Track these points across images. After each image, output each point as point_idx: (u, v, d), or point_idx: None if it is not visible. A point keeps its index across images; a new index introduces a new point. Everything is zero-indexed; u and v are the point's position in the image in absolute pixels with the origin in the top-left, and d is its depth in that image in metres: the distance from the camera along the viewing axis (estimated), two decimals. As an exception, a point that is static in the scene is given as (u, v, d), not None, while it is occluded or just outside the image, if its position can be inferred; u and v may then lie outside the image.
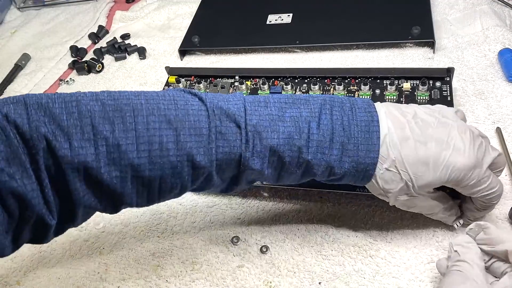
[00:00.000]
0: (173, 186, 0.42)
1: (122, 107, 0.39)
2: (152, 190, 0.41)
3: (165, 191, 0.42)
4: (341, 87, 0.66)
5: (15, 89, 0.88)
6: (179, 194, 0.44)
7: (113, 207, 0.42)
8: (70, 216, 0.40)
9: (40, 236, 0.40)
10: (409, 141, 0.43)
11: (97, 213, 0.60)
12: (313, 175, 0.44)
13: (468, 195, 0.45)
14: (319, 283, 0.49)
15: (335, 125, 0.43)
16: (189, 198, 0.61)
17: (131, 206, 0.42)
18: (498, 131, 0.59)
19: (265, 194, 0.59)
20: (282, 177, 0.45)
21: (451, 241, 0.42)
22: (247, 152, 0.42)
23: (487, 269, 0.42)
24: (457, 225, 0.49)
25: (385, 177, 0.43)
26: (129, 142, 0.38)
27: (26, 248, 0.59)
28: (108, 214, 0.57)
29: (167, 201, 0.59)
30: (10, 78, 0.90)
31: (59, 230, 0.41)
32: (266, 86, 0.69)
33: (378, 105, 0.45)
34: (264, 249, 0.53)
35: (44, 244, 0.59)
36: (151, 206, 0.59)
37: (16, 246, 0.39)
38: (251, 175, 0.44)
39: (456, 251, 0.41)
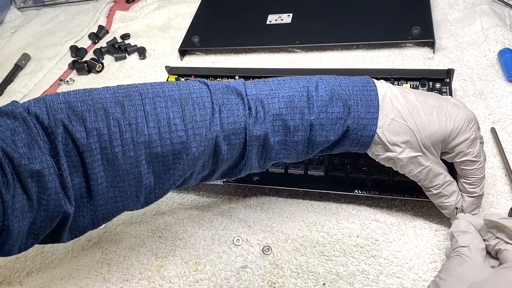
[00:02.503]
0: (186, 164, 0.43)
1: (130, 93, 0.42)
2: (167, 169, 0.43)
3: (180, 169, 0.43)
4: (342, 88, 0.66)
5: (15, 89, 0.88)
6: (195, 177, 0.46)
7: (135, 196, 0.43)
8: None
9: (58, 229, 0.41)
10: (410, 96, 0.45)
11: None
12: (319, 141, 0.45)
13: (458, 160, 0.46)
14: (323, 284, 0.49)
15: (334, 86, 0.45)
16: (189, 198, 0.61)
17: (152, 191, 0.44)
18: (493, 131, 0.59)
19: (265, 194, 0.59)
20: (289, 147, 0.45)
21: (451, 230, 0.43)
22: (251, 119, 0.43)
23: (489, 250, 0.42)
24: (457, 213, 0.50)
25: (392, 128, 0.44)
26: (139, 121, 0.41)
27: (29, 249, 0.60)
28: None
29: (167, 201, 0.60)
30: (10, 78, 0.90)
31: (77, 228, 0.42)
32: (267, 87, 0.69)
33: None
34: (266, 250, 0.53)
35: (47, 245, 0.59)
36: (151, 206, 0.60)
37: (34, 238, 0.40)
38: (260, 148, 0.45)
39: (455, 237, 0.42)
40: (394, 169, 0.48)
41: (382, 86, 0.46)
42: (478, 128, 0.46)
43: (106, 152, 0.40)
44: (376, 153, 0.47)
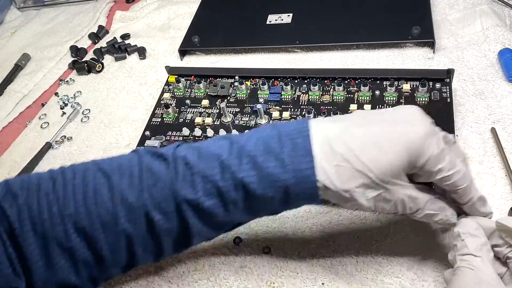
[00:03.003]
0: (118, 238, 0.41)
1: (65, 169, 0.43)
2: (96, 244, 0.41)
3: (111, 244, 0.41)
4: (341, 88, 0.66)
5: (15, 89, 0.87)
6: (142, 253, 0.43)
7: (74, 272, 0.42)
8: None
9: None
10: (352, 129, 0.40)
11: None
12: (259, 201, 0.40)
13: (433, 180, 0.41)
14: (322, 283, 0.49)
15: (266, 139, 0.40)
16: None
17: (94, 268, 0.42)
18: (493, 131, 0.59)
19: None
20: (230, 210, 0.41)
21: (457, 229, 0.40)
22: (178, 183, 0.40)
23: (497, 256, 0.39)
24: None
25: (340, 175, 0.38)
26: (66, 194, 0.41)
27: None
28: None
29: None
30: (10, 78, 0.90)
31: None
32: (265, 86, 0.69)
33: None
34: (266, 250, 0.53)
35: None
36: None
37: None
38: (199, 213, 0.41)
39: (463, 240, 0.38)
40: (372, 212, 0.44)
41: (318, 129, 0.40)
42: (441, 136, 0.40)
43: (36, 227, 0.40)
44: (337, 203, 0.41)
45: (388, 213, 0.43)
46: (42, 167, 0.70)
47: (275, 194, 0.40)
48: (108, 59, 0.91)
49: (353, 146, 0.39)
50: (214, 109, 0.69)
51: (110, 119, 0.76)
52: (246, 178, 0.39)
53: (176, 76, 0.75)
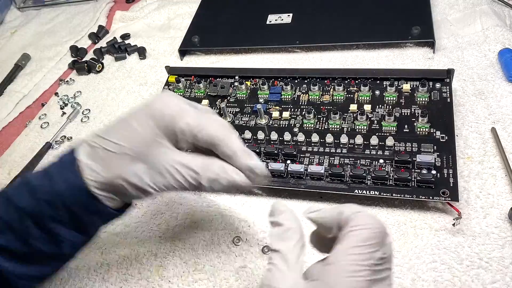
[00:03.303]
0: None
1: None
2: None
3: None
4: (341, 88, 0.66)
5: (15, 89, 0.88)
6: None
7: None
8: None
9: None
10: (104, 127, 0.43)
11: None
12: (46, 222, 0.42)
13: (192, 136, 0.42)
14: (321, 283, 0.49)
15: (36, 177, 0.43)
16: (189, 198, 0.61)
17: None
18: (494, 131, 0.59)
19: (264, 194, 0.59)
20: (27, 242, 0.42)
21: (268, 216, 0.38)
22: None
23: None
24: (456, 225, 0.50)
25: (105, 165, 0.41)
26: None
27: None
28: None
29: (166, 201, 0.60)
30: (10, 78, 0.90)
31: None
32: (265, 86, 0.69)
33: None
34: (265, 250, 0.53)
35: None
36: (152, 206, 0.60)
37: None
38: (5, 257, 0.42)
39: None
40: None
41: (80, 142, 0.43)
42: (180, 98, 0.43)
43: None
44: (124, 199, 0.44)
45: (176, 190, 0.43)
46: (42, 167, 0.70)
47: (55, 211, 0.41)
48: (108, 59, 0.91)
49: (106, 136, 0.41)
50: (214, 109, 0.69)
51: (110, 119, 0.76)
52: (22, 203, 0.41)
53: (176, 76, 0.75)
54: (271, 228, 0.38)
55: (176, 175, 0.41)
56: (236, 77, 0.72)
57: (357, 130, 0.61)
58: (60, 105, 0.81)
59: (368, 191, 0.54)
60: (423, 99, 0.62)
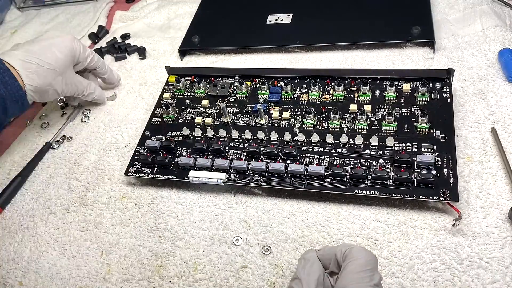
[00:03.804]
0: None
1: None
2: None
3: None
4: (341, 88, 0.66)
5: (15, 90, 0.87)
6: None
7: None
8: None
9: None
10: (28, 47, 0.67)
11: (98, 213, 0.61)
12: None
13: (86, 64, 0.74)
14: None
15: None
16: (188, 198, 0.61)
17: None
18: (493, 131, 0.59)
19: (264, 194, 0.59)
20: None
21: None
22: None
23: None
24: (456, 225, 0.50)
25: (39, 76, 0.65)
26: None
27: (28, 249, 0.60)
28: (109, 214, 0.57)
29: (166, 201, 0.60)
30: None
31: None
32: (265, 86, 0.69)
33: None
34: (266, 250, 0.53)
35: (46, 244, 0.59)
36: (152, 206, 0.60)
37: None
38: None
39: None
40: None
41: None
42: (77, 40, 0.72)
43: None
44: (41, 100, 0.68)
45: (74, 95, 0.73)
46: (42, 167, 0.70)
47: None
48: (108, 59, 0.91)
49: (38, 56, 0.65)
50: (214, 109, 0.69)
51: (110, 119, 0.76)
52: None
53: (176, 76, 0.75)
54: (298, 262, 0.47)
55: (80, 86, 0.73)
56: (236, 77, 0.72)
57: (357, 130, 0.61)
58: (60, 105, 0.81)
59: (368, 191, 0.54)
60: (423, 99, 0.62)
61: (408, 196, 0.52)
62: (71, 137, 0.75)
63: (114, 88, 0.82)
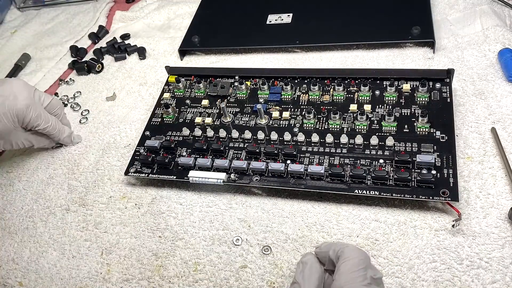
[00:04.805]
0: None
1: None
2: None
3: None
4: (341, 88, 0.66)
5: (15, 90, 0.87)
6: None
7: None
8: None
9: None
10: None
11: (98, 213, 0.61)
12: None
13: (36, 128, 0.65)
14: (321, 283, 0.49)
15: None
16: (188, 198, 0.61)
17: None
18: (494, 131, 0.59)
19: (264, 194, 0.59)
20: None
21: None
22: None
23: None
24: (455, 226, 0.50)
25: None
26: None
27: (28, 249, 0.60)
28: (109, 214, 0.57)
29: (166, 201, 0.60)
30: (11, 78, 0.90)
31: None
32: (265, 86, 0.69)
33: None
34: (266, 250, 0.53)
35: (46, 245, 0.59)
36: (152, 206, 0.60)
37: None
38: None
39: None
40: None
41: None
42: (37, 102, 0.64)
43: None
44: None
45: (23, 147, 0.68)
46: (42, 167, 0.70)
47: None
48: (108, 59, 0.91)
49: None
50: (214, 109, 0.69)
51: (110, 120, 0.76)
52: None
53: (176, 76, 0.75)
54: (297, 266, 0.47)
55: (26, 142, 0.66)
56: (236, 77, 0.72)
57: (357, 130, 0.61)
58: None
59: (368, 191, 0.54)
60: (423, 99, 0.62)
61: (408, 196, 0.52)
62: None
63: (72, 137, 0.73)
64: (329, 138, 0.60)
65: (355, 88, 0.66)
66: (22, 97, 0.62)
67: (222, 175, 0.58)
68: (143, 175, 0.62)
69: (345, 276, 0.41)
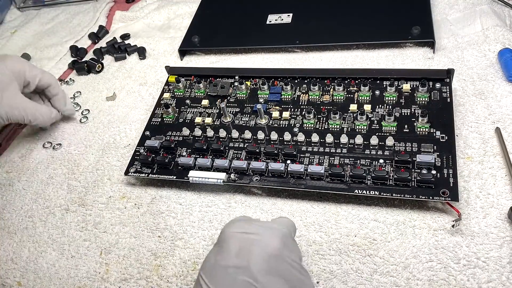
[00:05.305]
0: None
1: None
2: None
3: None
4: (341, 88, 0.66)
5: (15, 89, 0.87)
6: None
7: None
8: None
9: None
10: None
11: (98, 213, 0.61)
12: None
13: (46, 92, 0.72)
14: (317, 282, 0.49)
15: None
16: (188, 198, 0.61)
17: None
18: (498, 131, 0.59)
19: (264, 194, 0.59)
20: None
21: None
22: None
23: None
24: (455, 226, 0.50)
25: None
26: None
27: (27, 249, 0.60)
28: (108, 214, 0.57)
29: (166, 201, 0.60)
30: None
31: None
32: (265, 86, 0.69)
33: None
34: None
35: (45, 244, 0.59)
36: (152, 206, 0.60)
37: None
38: None
39: None
40: None
41: None
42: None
43: None
44: None
45: (22, 121, 0.68)
46: (41, 167, 0.70)
47: None
48: (108, 59, 0.91)
49: None
50: (214, 109, 0.69)
51: (110, 120, 0.76)
52: None
53: (176, 76, 0.75)
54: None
55: (17, 116, 0.66)
56: (236, 77, 0.72)
57: (357, 130, 0.61)
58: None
59: (368, 191, 0.54)
60: (423, 99, 0.62)
61: (408, 196, 0.52)
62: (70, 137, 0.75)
63: (70, 115, 0.77)
64: (329, 138, 0.60)
65: (355, 88, 0.66)
66: (21, 59, 0.69)
67: (222, 175, 0.58)
68: (143, 175, 0.62)
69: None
